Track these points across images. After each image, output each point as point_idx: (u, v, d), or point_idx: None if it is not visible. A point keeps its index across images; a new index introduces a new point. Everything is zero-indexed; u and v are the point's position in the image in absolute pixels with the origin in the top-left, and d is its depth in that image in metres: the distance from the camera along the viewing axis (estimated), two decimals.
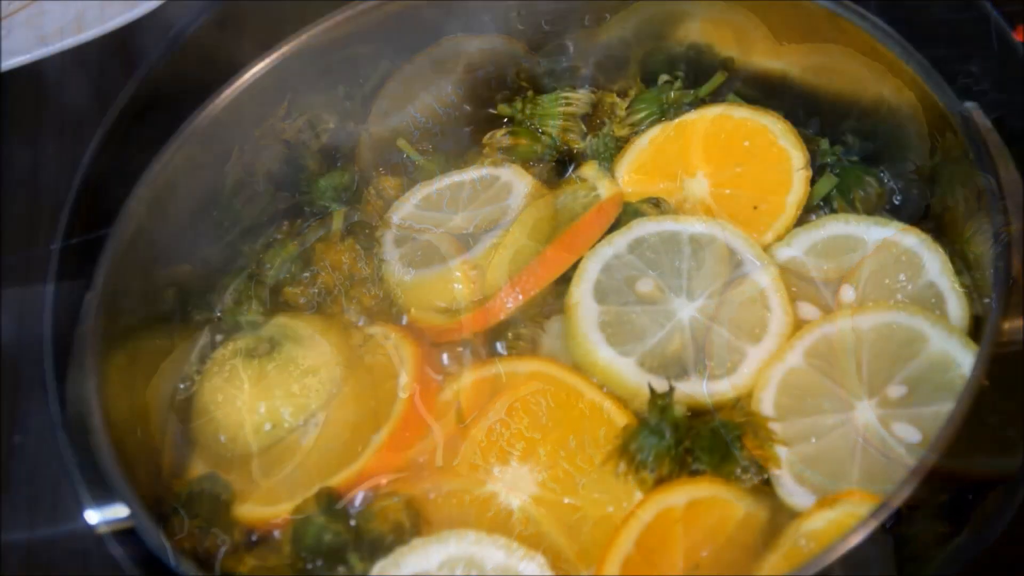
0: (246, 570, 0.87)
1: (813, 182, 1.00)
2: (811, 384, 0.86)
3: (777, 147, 1.01)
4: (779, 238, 0.97)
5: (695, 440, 0.85)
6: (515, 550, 0.79)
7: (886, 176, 1.00)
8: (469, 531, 0.81)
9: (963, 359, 0.83)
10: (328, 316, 1.01)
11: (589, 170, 1.05)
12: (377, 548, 0.84)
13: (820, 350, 0.88)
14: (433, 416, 0.92)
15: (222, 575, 0.87)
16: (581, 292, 0.94)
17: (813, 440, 0.84)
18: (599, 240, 0.97)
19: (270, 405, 0.93)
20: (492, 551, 0.80)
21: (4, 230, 1.18)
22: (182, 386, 0.99)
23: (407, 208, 1.07)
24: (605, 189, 1.02)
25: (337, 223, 1.07)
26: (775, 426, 0.85)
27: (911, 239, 0.92)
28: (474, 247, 0.98)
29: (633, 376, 0.89)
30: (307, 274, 1.04)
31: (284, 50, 1.04)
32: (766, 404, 0.86)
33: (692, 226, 0.96)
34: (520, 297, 0.96)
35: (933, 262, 0.91)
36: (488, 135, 1.10)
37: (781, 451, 0.84)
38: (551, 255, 0.97)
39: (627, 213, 0.99)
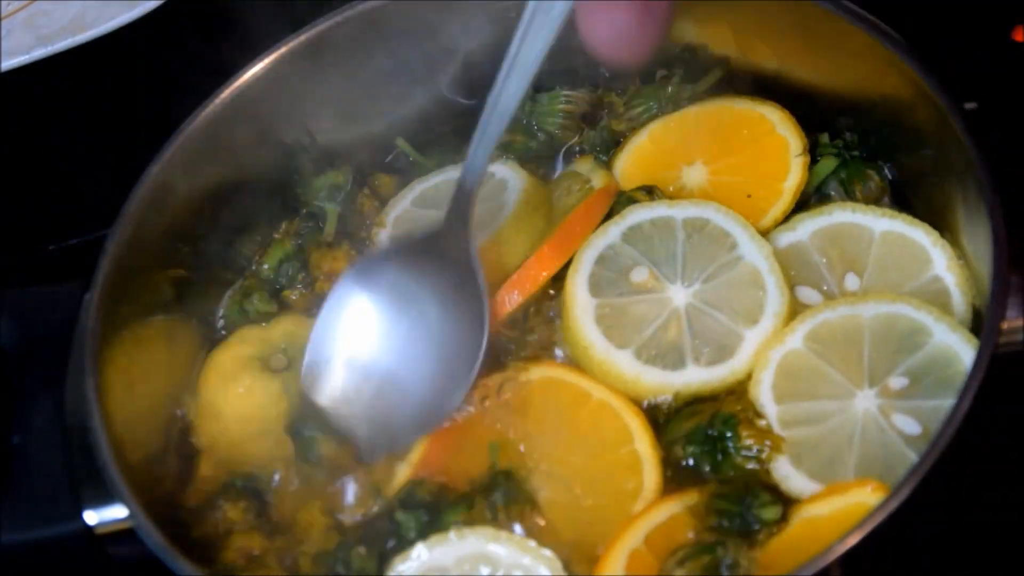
0: (239, 562, 0.88)
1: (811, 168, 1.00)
2: (811, 368, 0.86)
3: (775, 135, 1.01)
4: (777, 223, 0.97)
5: (692, 444, 0.85)
6: (530, 548, 0.80)
7: (887, 171, 1.00)
8: (486, 529, 0.81)
9: (966, 355, 0.83)
10: None
11: (584, 165, 1.05)
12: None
13: (821, 335, 0.87)
14: None
15: (220, 574, 0.87)
16: (576, 286, 0.93)
17: (811, 425, 0.84)
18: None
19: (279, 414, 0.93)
20: (508, 549, 0.80)
21: (4, 230, 1.18)
22: (182, 386, 0.99)
23: (403, 206, 1.07)
24: (599, 181, 1.01)
25: (332, 222, 1.07)
26: (773, 408, 0.85)
27: (918, 232, 0.92)
28: None
29: (630, 369, 0.88)
30: (303, 273, 1.04)
31: (284, 50, 1.04)
32: (765, 386, 0.86)
33: (685, 210, 0.96)
34: (518, 297, 0.95)
35: (940, 257, 0.91)
36: None
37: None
38: (547, 252, 0.96)
39: (620, 202, 0.98)
